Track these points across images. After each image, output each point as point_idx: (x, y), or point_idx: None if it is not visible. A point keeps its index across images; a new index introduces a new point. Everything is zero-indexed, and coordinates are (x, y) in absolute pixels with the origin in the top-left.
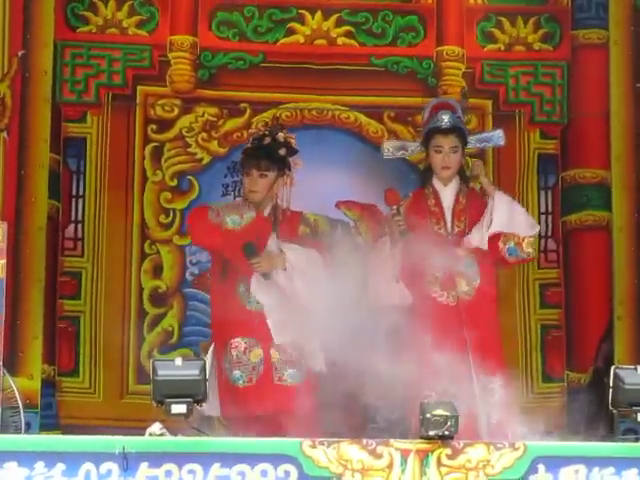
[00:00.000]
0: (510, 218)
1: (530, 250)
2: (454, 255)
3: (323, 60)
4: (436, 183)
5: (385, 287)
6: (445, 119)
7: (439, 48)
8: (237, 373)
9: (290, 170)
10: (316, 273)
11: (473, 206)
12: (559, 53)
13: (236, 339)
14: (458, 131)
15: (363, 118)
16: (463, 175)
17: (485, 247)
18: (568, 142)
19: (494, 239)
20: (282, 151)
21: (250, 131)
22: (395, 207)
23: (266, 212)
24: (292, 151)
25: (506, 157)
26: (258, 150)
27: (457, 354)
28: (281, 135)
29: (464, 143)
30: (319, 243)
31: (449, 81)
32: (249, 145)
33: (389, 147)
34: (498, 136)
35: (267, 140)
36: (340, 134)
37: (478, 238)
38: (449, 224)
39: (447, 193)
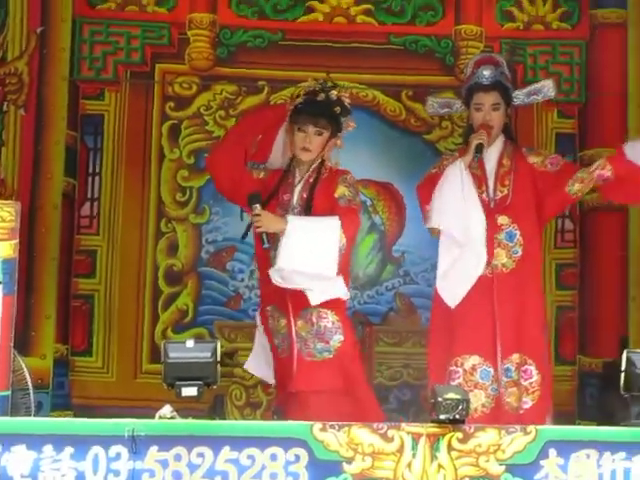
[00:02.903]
0: None
1: None
2: (495, 223)
3: (342, 38)
4: None
5: (453, 213)
6: (486, 74)
7: (457, 27)
8: (276, 341)
9: (341, 131)
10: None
11: (518, 168)
12: (577, 32)
13: (268, 307)
14: (500, 87)
15: (381, 96)
16: (508, 134)
17: None
18: (586, 122)
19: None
20: (337, 109)
21: (303, 84)
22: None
23: (310, 170)
24: (346, 111)
25: (524, 136)
26: (315, 105)
27: (489, 331)
28: (334, 93)
29: (508, 100)
30: (349, 206)
31: (467, 60)
32: (301, 100)
33: (433, 103)
34: (548, 87)
35: (321, 96)
36: (358, 112)
37: None
38: (491, 189)
39: (490, 155)
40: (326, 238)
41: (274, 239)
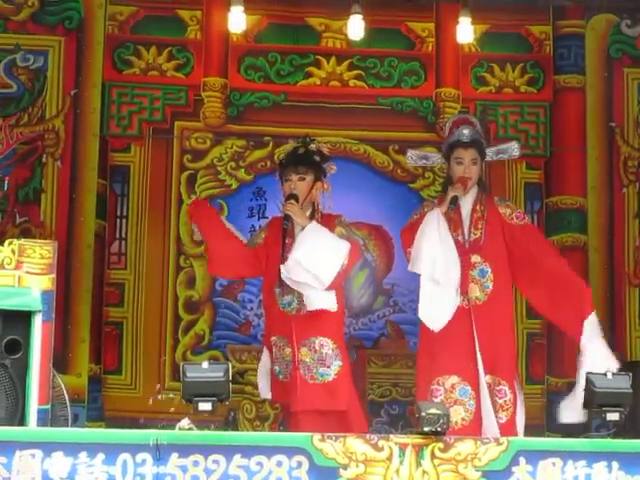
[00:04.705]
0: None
1: None
2: (469, 261)
3: (337, 100)
4: None
5: (431, 258)
6: (466, 133)
7: (438, 90)
8: (277, 368)
9: (325, 176)
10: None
11: (490, 214)
12: (542, 95)
13: (273, 337)
14: (477, 144)
15: (371, 150)
16: (482, 185)
17: None
18: (551, 173)
19: None
20: (317, 157)
21: (285, 145)
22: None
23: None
24: (325, 158)
25: (497, 186)
26: (295, 157)
27: (467, 354)
28: (313, 146)
29: (483, 155)
30: (352, 241)
31: (446, 118)
32: (285, 156)
33: (412, 155)
34: (513, 148)
35: (301, 150)
36: (351, 164)
37: None
38: (466, 232)
39: (466, 202)
40: (335, 250)
41: (292, 231)
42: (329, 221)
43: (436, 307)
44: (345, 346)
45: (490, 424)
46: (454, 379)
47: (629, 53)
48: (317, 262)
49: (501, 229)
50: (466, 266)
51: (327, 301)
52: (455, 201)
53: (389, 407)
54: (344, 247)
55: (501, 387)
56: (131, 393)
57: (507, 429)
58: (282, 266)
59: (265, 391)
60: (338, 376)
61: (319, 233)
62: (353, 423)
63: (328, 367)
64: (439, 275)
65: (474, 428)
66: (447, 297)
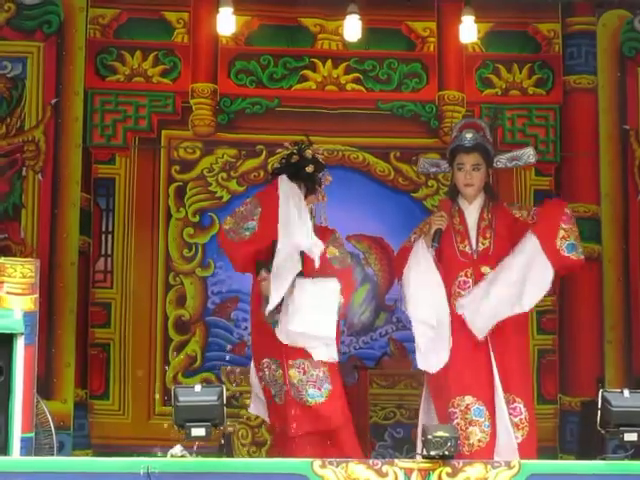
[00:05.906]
0: None
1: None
2: (479, 273)
3: (334, 105)
4: (461, 201)
5: (417, 300)
6: (468, 137)
7: (441, 93)
8: (273, 391)
9: (320, 186)
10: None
11: (499, 222)
12: (552, 97)
13: (265, 359)
14: (481, 149)
15: (371, 158)
16: (489, 192)
17: None
18: (561, 179)
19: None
20: (310, 168)
21: (281, 150)
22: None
23: None
24: (320, 167)
25: (505, 193)
26: (287, 169)
27: (479, 373)
28: (309, 152)
29: (489, 161)
30: (345, 268)
31: (450, 123)
32: (278, 165)
33: (424, 162)
34: (529, 154)
35: (295, 158)
36: (350, 172)
37: None
38: (474, 242)
39: (471, 211)
40: (328, 302)
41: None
42: (323, 236)
43: (431, 353)
44: (337, 369)
45: (508, 445)
46: (469, 399)
47: None
48: (317, 325)
49: (511, 235)
50: (476, 278)
51: (332, 352)
52: (439, 236)
53: (393, 430)
54: (334, 291)
55: (516, 405)
56: (119, 419)
57: (523, 450)
58: (282, 336)
59: (255, 410)
60: (328, 399)
61: (305, 292)
62: (344, 445)
63: (319, 389)
64: (431, 319)
65: (491, 450)
66: (439, 344)
